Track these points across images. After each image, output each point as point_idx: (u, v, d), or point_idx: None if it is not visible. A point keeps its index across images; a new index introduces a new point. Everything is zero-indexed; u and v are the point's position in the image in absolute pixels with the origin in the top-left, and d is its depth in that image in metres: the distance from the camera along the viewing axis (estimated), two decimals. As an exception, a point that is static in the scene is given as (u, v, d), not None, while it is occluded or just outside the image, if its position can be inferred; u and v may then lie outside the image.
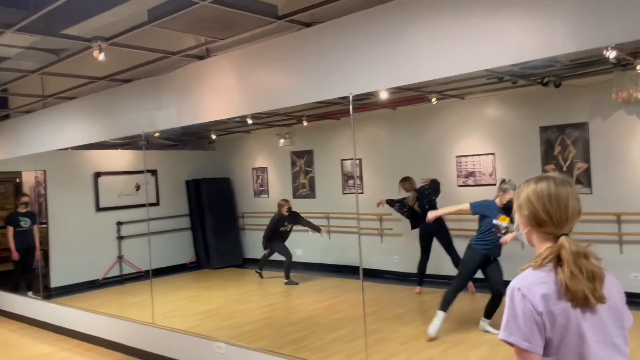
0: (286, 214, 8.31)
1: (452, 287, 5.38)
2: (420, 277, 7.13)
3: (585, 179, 6.43)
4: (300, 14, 3.98)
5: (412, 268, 7.94)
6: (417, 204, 7.02)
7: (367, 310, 5.61)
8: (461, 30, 3.25)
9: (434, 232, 6.89)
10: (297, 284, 8.10)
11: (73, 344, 6.20)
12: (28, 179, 9.96)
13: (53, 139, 7.00)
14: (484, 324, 5.35)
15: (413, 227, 7.20)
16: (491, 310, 5.27)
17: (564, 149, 6.66)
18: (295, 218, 8.35)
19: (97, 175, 9.20)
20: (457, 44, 3.27)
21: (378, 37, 3.65)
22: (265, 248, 8.42)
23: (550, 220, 1.59)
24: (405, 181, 7.10)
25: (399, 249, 8.10)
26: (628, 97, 5.87)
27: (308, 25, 4.12)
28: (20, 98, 7.13)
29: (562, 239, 1.56)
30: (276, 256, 8.52)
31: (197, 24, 4.14)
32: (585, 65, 5.68)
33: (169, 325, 5.42)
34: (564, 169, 6.59)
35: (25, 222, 7.91)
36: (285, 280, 8.17)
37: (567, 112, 6.57)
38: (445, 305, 5.27)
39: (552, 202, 1.59)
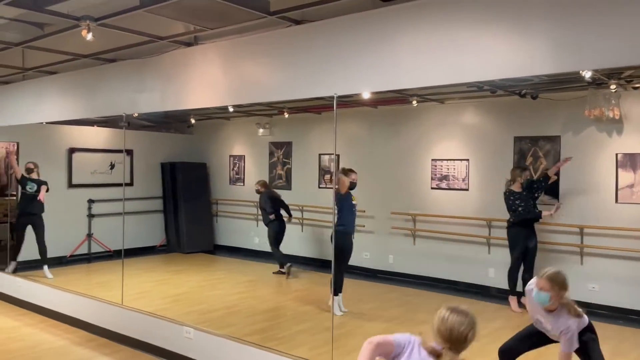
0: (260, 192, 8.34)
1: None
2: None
3: (553, 191, 6.65)
4: (292, 12, 4.03)
5: (382, 265, 8.13)
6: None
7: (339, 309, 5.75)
8: (447, 42, 3.36)
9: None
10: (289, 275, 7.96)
11: (37, 319, 6.16)
12: (-3, 149, 9.78)
13: (30, 112, 6.89)
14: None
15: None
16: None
17: (535, 160, 6.87)
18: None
19: (72, 151, 9.09)
20: (442, 56, 3.38)
21: (366, 41, 3.73)
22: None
23: (440, 337, 2.19)
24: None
25: (369, 246, 8.25)
26: (600, 114, 6.10)
27: (298, 22, 4.18)
28: (-2, 68, 7.00)
29: (443, 352, 2.17)
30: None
31: (188, 12, 4.16)
32: (562, 81, 5.88)
33: (137, 307, 5.44)
34: (535, 179, 6.80)
35: (31, 187, 7.73)
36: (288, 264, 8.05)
37: (541, 124, 6.78)
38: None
39: (441, 325, 2.19)
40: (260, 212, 8.73)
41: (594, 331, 3.33)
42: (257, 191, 8.37)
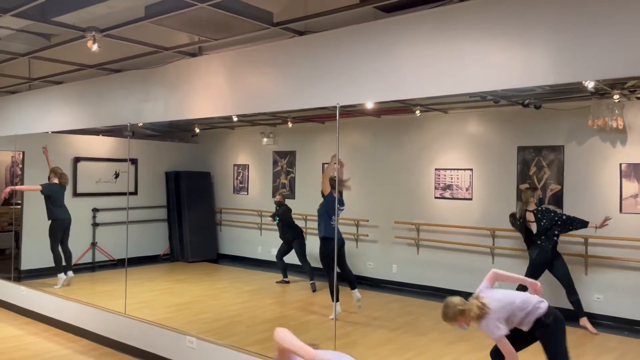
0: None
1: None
2: None
3: (557, 201, 6.64)
4: (295, 23, 4.07)
5: (385, 275, 8.11)
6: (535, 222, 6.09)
7: (338, 315, 5.74)
8: (449, 53, 3.38)
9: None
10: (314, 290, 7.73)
11: (41, 328, 6.18)
12: (3, 159, 9.85)
13: (36, 122, 6.96)
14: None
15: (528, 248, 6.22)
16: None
17: (539, 170, 6.86)
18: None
19: (77, 160, 9.14)
20: (444, 66, 3.40)
21: (369, 52, 3.76)
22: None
23: None
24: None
25: (373, 256, 8.24)
26: (603, 124, 6.10)
27: (301, 33, 4.21)
28: (4, 78, 7.06)
29: None
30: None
31: (193, 23, 4.20)
32: (565, 91, 5.88)
33: (140, 316, 5.45)
34: (538, 189, 6.79)
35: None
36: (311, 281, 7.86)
37: (545, 134, 6.78)
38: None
39: None
40: (262, 220, 8.68)
41: (556, 322, 3.53)
42: (279, 203, 8.27)
